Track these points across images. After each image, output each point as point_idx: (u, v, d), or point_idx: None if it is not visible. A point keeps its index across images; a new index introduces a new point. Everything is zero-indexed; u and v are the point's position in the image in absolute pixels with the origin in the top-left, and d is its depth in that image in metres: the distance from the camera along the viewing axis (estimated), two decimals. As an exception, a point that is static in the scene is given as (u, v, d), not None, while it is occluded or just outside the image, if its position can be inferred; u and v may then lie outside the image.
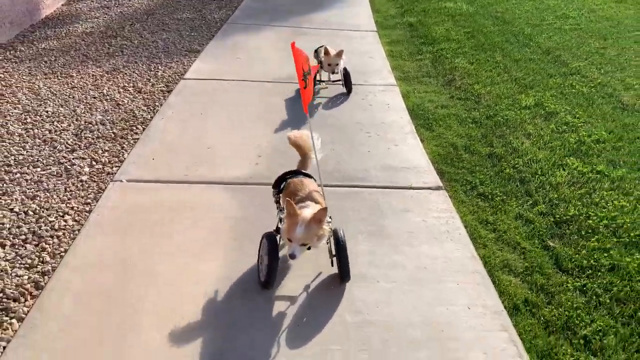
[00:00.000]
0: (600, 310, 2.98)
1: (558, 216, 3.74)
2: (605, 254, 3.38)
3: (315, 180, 3.14)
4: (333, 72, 5.49)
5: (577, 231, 3.59)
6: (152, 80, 5.76)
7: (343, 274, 2.97)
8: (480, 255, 3.32)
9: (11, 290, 2.95)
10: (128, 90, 5.53)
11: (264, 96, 5.43)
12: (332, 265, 3.03)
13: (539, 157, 4.49)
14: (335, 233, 2.92)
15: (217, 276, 3.08)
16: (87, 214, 3.60)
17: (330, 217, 2.88)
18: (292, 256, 2.74)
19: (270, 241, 2.91)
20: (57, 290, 2.92)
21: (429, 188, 3.98)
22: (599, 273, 3.23)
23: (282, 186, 3.11)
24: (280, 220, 2.94)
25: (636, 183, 4.11)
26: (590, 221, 3.67)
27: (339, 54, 5.36)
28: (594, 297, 3.06)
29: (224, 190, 3.86)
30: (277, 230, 3.01)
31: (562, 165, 4.37)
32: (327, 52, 5.35)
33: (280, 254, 3.00)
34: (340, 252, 2.92)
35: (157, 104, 5.22)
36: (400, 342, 2.69)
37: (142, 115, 5.00)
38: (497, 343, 2.70)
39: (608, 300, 3.04)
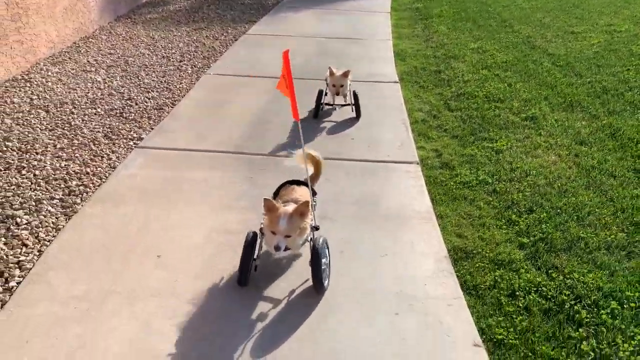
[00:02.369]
0: (457, 113, 5.59)
1: (459, 92, 6.41)
2: (475, 105, 6.01)
3: (310, 190, 3.15)
4: (338, 94, 5.23)
5: (466, 97, 6.24)
6: (224, 34, 8.80)
7: (315, 285, 2.88)
8: (407, 109, 5.86)
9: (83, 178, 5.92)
10: (209, 38, 8.56)
11: (299, 44, 8.31)
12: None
13: (464, 70, 7.18)
14: (314, 241, 2.85)
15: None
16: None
17: (316, 227, 3.03)
18: (277, 248, 2.72)
19: (250, 239, 2.90)
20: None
21: (391, 82, 6.75)
22: (469, 109, 5.81)
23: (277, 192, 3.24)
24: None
25: (513, 80, 6.73)
26: (476, 94, 6.30)
27: (345, 74, 5.12)
28: (461, 114, 5.70)
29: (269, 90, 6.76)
30: (262, 230, 2.96)
31: (475, 73, 7.05)
32: (331, 73, 5.11)
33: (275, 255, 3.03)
34: (313, 260, 2.81)
35: (228, 45, 8.23)
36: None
37: (219, 49, 8.01)
38: (401, 134, 5.35)
39: (466, 112, 5.67)
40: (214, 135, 5.00)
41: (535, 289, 3.15)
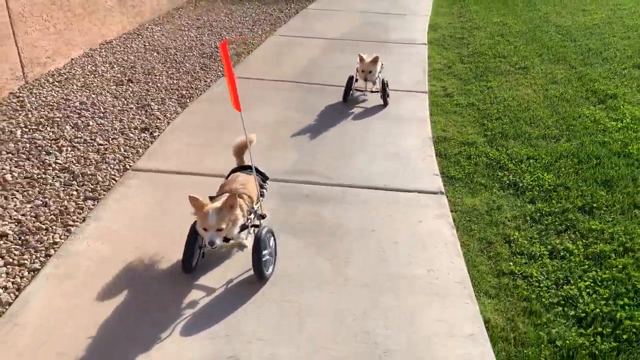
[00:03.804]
0: (467, 65, 7.21)
1: (474, 51, 7.98)
2: (484, 60, 7.58)
3: (260, 174, 3.30)
4: (366, 80, 5.41)
5: (478, 55, 7.80)
6: (287, 9, 10.63)
7: (256, 274, 2.96)
8: (428, 62, 7.55)
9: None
10: (276, 10, 10.44)
11: (348, 18, 10.08)
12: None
13: (482, 36, 8.73)
14: (258, 231, 2.93)
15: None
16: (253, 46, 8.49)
17: (263, 216, 3.20)
18: (212, 243, 2.75)
19: (192, 228, 2.97)
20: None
21: (421, 43, 8.41)
22: (477, 63, 7.40)
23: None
24: None
25: (519, 43, 8.18)
26: (487, 53, 7.84)
27: (374, 60, 5.27)
28: (470, 66, 7.31)
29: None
30: None
31: (491, 39, 8.58)
32: (361, 59, 5.29)
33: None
34: (255, 249, 2.88)
35: (290, 16, 10.06)
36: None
37: (283, 19, 9.86)
38: (419, 76, 7.05)
39: (475, 64, 7.28)
40: (276, 72, 6.84)
41: (485, 155, 4.81)
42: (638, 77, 6.40)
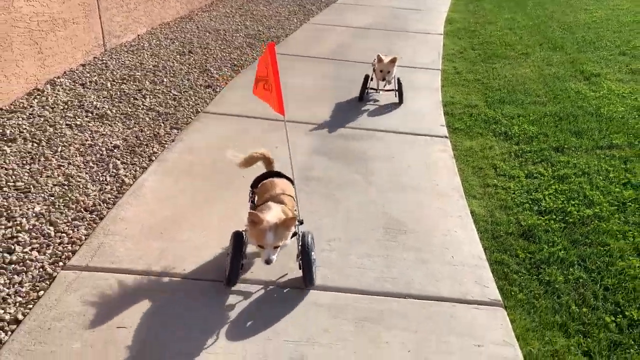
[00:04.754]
0: (477, 51, 8.38)
1: (484, 40, 9.03)
2: (492, 48, 8.69)
3: (291, 182, 3.19)
4: (383, 80, 5.54)
5: (488, 43, 8.92)
6: (320, 2, 11.86)
7: (306, 278, 2.97)
8: (443, 48, 8.74)
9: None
10: (309, 3, 11.66)
11: (374, 11, 11.27)
12: (300, 269, 2.98)
13: (493, 29, 9.80)
14: (302, 238, 2.92)
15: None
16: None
17: (301, 221, 3.02)
18: (268, 262, 2.73)
19: (236, 240, 2.92)
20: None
21: (438, 34, 9.54)
22: (486, 50, 8.54)
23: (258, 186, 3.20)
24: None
25: (524, 34, 9.31)
26: (495, 42, 8.91)
27: (393, 60, 5.39)
28: (479, 52, 8.46)
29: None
30: (246, 232, 2.94)
31: (500, 31, 9.63)
32: (379, 59, 5.41)
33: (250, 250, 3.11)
34: (304, 256, 2.90)
35: (322, 9, 11.29)
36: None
37: (315, 11, 11.07)
38: (434, 57, 8.22)
39: (484, 51, 8.42)
40: (312, 51, 8.04)
41: (484, 115, 5.93)
42: (621, 61, 7.47)
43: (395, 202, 4.04)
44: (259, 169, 3.43)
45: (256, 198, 3.17)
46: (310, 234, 3.02)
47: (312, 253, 2.98)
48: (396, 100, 5.83)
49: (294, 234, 2.97)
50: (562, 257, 3.55)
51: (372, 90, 5.96)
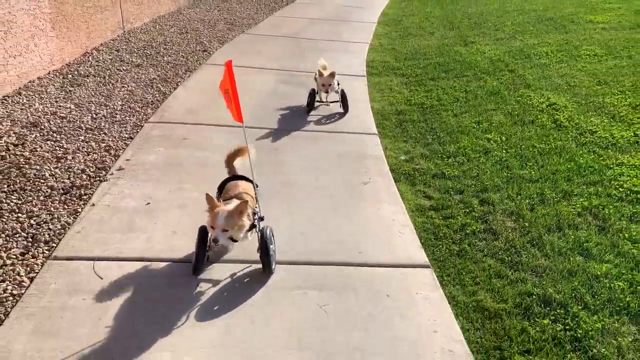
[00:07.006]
0: (400, 32, 11.41)
1: (406, 26, 12.16)
2: (409, 30, 11.79)
3: (252, 183, 3.58)
4: (327, 92, 6.08)
5: (407, 28, 12.04)
6: (278, 2, 14.80)
7: (264, 266, 3.31)
8: (373, 32, 11.73)
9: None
10: (270, 1, 14.61)
11: (321, 9, 14.24)
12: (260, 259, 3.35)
13: (413, 19, 12.94)
14: (262, 230, 3.25)
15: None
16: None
17: (262, 218, 3.40)
18: (215, 240, 3.06)
19: (201, 232, 3.26)
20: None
21: (370, 23, 12.58)
22: (404, 31, 11.60)
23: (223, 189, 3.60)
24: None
25: (434, 19, 12.44)
26: (412, 27, 12.11)
27: (332, 74, 5.92)
28: (400, 33, 11.48)
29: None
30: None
31: (418, 20, 12.81)
32: (320, 74, 5.92)
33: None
34: (262, 247, 3.23)
35: (284, 6, 14.23)
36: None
37: (277, 7, 14.01)
38: (365, 37, 11.21)
39: (402, 32, 11.45)
40: (277, 32, 10.94)
41: (391, 66, 8.91)
42: (492, 35, 10.61)
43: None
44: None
45: (221, 199, 3.48)
46: (269, 227, 3.34)
47: (271, 246, 3.29)
48: (341, 110, 6.28)
49: (253, 226, 3.35)
50: (416, 119, 6.51)
51: (318, 103, 6.37)
